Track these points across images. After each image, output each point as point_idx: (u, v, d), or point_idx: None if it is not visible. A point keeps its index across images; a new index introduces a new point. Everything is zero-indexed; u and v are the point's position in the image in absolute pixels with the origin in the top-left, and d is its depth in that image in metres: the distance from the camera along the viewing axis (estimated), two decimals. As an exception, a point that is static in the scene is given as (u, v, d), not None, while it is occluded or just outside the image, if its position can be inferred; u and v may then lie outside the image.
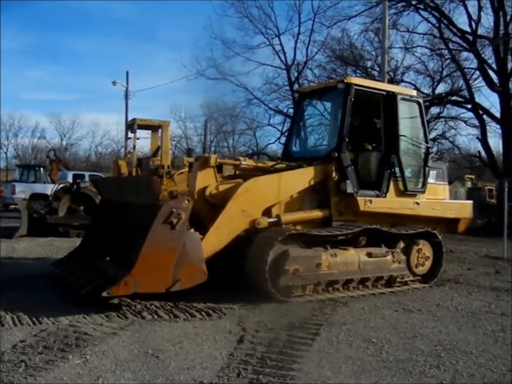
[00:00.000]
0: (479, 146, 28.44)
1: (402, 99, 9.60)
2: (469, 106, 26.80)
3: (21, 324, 6.17)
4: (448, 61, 28.25)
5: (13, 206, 24.63)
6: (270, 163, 9.28)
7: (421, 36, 28.18)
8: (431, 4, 25.11)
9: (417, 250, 9.18)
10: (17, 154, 69.59)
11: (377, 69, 27.74)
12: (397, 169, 9.30)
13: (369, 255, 8.48)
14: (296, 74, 34.07)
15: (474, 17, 24.82)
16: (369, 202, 8.90)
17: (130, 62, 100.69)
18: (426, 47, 28.73)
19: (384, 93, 9.55)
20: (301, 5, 32.88)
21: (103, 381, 4.58)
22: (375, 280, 8.73)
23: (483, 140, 25.83)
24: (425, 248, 9.30)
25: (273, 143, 38.48)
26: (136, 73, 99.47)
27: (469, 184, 32.99)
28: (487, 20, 25.42)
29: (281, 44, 34.13)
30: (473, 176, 36.33)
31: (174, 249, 6.63)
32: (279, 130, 34.85)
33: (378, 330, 6.39)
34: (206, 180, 8.09)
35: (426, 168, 9.75)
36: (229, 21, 53.24)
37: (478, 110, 25.76)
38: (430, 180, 9.90)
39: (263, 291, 7.48)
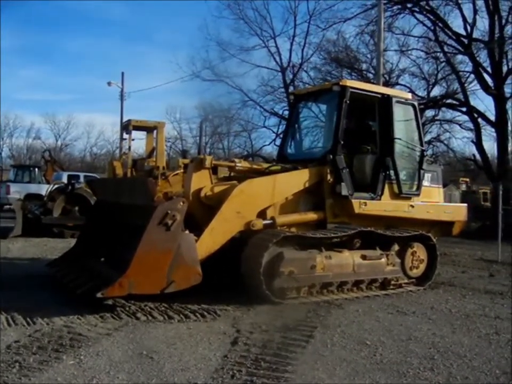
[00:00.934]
0: (473, 149, 28.53)
1: (397, 102, 9.62)
2: (464, 109, 26.88)
3: (15, 324, 6.16)
4: (443, 64, 28.36)
5: (8, 206, 24.53)
6: (265, 165, 9.29)
7: (416, 38, 28.27)
8: (427, 7, 25.20)
9: (411, 253, 9.20)
10: (12, 154, 69.45)
11: (373, 71, 27.84)
12: (392, 172, 9.32)
13: (364, 257, 8.49)
14: (291, 76, 34.17)
15: (470, 20, 24.99)
16: (364, 205, 8.92)
17: (125, 63, 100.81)
18: (422, 50, 28.83)
19: (379, 95, 9.58)
20: (297, 7, 33.00)
21: (98, 382, 4.57)
22: (369, 282, 8.74)
23: (478, 143, 25.91)
24: (419, 251, 9.31)
25: (268, 145, 38.57)
26: (131, 74, 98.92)
27: (463, 187, 33.04)
28: (482, 23, 25.59)
29: (276, 46, 34.20)
30: (467, 179, 36.39)
31: (169, 251, 6.63)
32: (274, 132, 34.82)
33: (372, 333, 6.40)
34: (201, 182, 8.09)
35: (421, 171, 9.78)
36: (224, 23, 53.19)
37: (473, 113, 25.83)
38: (425, 182, 9.92)
39: (258, 293, 7.48)
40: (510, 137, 24.92)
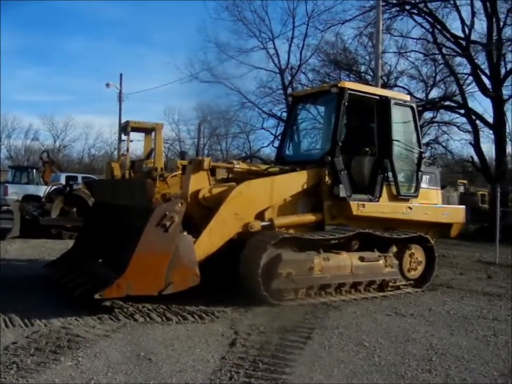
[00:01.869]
0: (472, 151, 28.51)
1: (396, 104, 9.63)
2: (462, 111, 26.88)
3: (13, 325, 6.16)
4: (441, 66, 28.31)
5: (6, 207, 24.50)
6: (263, 166, 9.30)
7: (415, 40, 28.27)
8: (425, 9, 25.21)
9: (409, 254, 9.20)
10: (10, 155, 69.25)
11: (371, 73, 27.81)
12: (390, 174, 9.33)
13: (362, 259, 8.49)
14: (289, 78, 34.19)
15: (468, 22, 24.96)
16: (362, 207, 8.92)
17: (123, 64, 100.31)
18: (420, 52, 28.81)
19: (377, 97, 9.59)
20: (295, 8, 33.03)
21: (95, 383, 4.57)
22: (367, 284, 8.75)
23: (476, 145, 25.91)
24: (417, 253, 9.32)
25: (267, 146, 38.62)
26: (129, 75, 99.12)
27: (461, 189, 33.10)
28: (481, 25, 25.60)
29: (275, 48, 34.27)
30: (466, 181, 36.46)
31: (167, 252, 6.63)
32: (272, 134, 34.82)
33: (370, 334, 6.40)
34: (199, 183, 8.09)
35: (419, 173, 9.78)
36: (223, 24, 53.43)
37: (471, 115, 25.83)
38: (423, 184, 9.93)
39: (256, 294, 7.48)
40: (508, 139, 25.01)
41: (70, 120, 74.25)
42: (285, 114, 12.58)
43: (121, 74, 43.90)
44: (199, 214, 7.92)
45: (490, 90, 24.20)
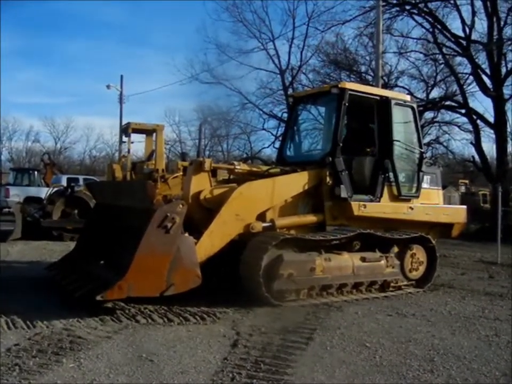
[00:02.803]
0: (473, 151, 28.48)
1: (396, 104, 9.63)
2: (463, 111, 26.84)
3: (15, 327, 6.17)
4: (442, 65, 28.31)
5: (7, 210, 24.54)
6: (264, 167, 9.31)
7: (415, 40, 28.26)
8: (425, 9, 25.18)
9: (411, 255, 9.20)
10: (11, 157, 69.32)
11: (371, 73, 27.79)
12: (391, 174, 9.33)
13: (363, 259, 8.49)
14: (290, 78, 34.15)
15: (468, 22, 24.93)
16: (363, 207, 8.92)
17: (123, 66, 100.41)
18: (420, 52, 28.80)
19: (378, 98, 9.58)
20: (295, 9, 32.99)
21: (97, 385, 4.58)
22: (369, 284, 8.74)
23: (477, 144, 25.87)
24: (419, 253, 9.31)
25: (268, 147, 38.79)
26: (130, 76, 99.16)
27: (462, 189, 33.06)
28: (481, 25, 25.57)
29: (275, 48, 34.20)
30: (467, 181, 36.42)
31: (168, 253, 6.63)
32: (273, 134, 34.72)
33: (372, 335, 6.40)
34: (201, 184, 8.09)
35: (420, 173, 9.77)
36: (223, 25, 53.35)
37: (471, 115, 25.80)
38: (424, 184, 9.92)
39: (257, 295, 7.49)
40: (509, 139, 24.95)
41: (71, 122, 74.23)
42: (285, 115, 12.60)
43: (121, 76, 44.10)
44: (200, 215, 7.93)
45: (491, 89, 24.17)
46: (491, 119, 24.89)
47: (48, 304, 7.34)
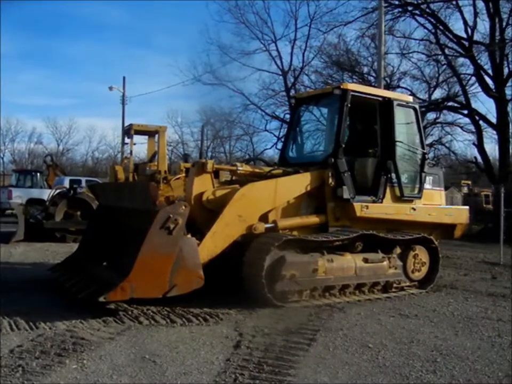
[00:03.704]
0: (475, 152, 28.51)
1: (399, 105, 9.63)
2: (465, 112, 26.87)
3: (18, 328, 6.17)
4: (444, 66, 28.40)
5: (10, 211, 24.59)
6: (267, 169, 9.30)
7: (417, 41, 28.33)
8: (427, 10, 25.19)
9: (413, 256, 9.20)
10: (13, 159, 69.49)
11: (374, 74, 27.88)
12: (393, 175, 9.33)
13: (366, 260, 8.49)
14: (292, 80, 34.19)
15: (470, 23, 24.98)
16: (366, 208, 8.92)
17: (126, 67, 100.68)
18: (423, 53, 28.86)
19: (380, 98, 9.58)
20: (297, 10, 33.01)
21: (100, 386, 4.59)
22: (371, 285, 8.74)
23: (479, 145, 25.88)
24: (421, 254, 9.32)
25: (270, 148, 38.55)
26: (132, 78, 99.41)
27: (465, 190, 33.04)
28: (483, 25, 25.62)
29: (277, 50, 34.23)
30: (469, 182, 36.39)
31: (171, 255, 6.63)
32: (275, 136, 34.79)
33: (374, 336, 6.40)
34: (203, 186, 8.10)
35: (423, 174, 9.77)
36: (225, 27, 53.35)
37: (474, 115, 25.82)
38: (427, 185, 9.92)
39: (260, 296, 7.49)
40: (511, 140, 24.90)
41: (73, 124, 74.81)
42: (288, 116, 12.61)
43: (124, 78, 44.15)
44: (202, 217, 7.93)
45: (493, 90, 24.19)
46: (493, 120, 24.93)
47: (51, 306, 7.35)
